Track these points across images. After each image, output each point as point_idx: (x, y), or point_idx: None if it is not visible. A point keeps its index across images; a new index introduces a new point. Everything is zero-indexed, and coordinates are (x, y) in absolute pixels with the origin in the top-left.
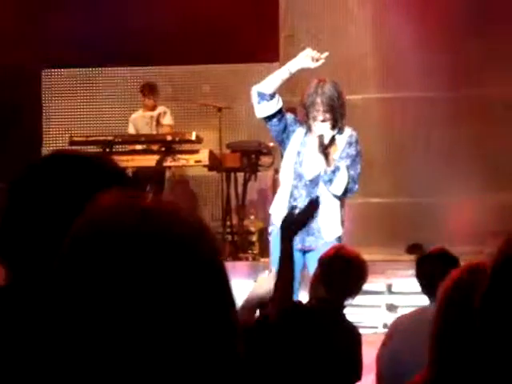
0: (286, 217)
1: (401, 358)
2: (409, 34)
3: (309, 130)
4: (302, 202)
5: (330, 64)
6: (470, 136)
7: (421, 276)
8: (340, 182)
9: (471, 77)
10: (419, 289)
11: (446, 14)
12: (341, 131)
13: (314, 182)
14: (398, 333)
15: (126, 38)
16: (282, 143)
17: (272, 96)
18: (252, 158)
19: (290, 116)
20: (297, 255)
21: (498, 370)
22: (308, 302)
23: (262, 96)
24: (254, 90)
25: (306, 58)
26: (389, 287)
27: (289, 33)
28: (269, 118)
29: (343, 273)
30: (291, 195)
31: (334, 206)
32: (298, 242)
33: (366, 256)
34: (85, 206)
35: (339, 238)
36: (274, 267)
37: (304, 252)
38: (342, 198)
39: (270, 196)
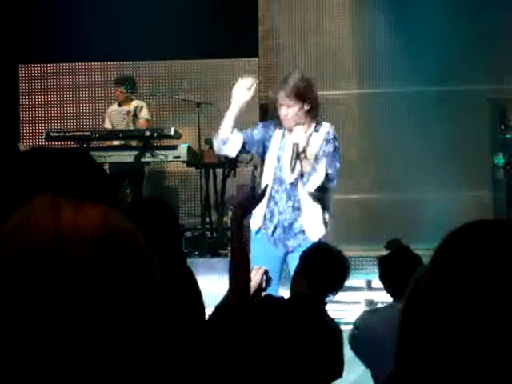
0: (244, 197)
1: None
2: (387, 30)
3: (284, 128)
4: (283, 206)
5: (309, 59)
6: (449, 132)
7: (383, 276)
8: (314, 181)
9: (450, 73)
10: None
11: (427, 9)
12: (318, 126)
13: (295, 185)
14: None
15: (103, 33)
16: (263, 153)
17: (227, 139)
18: None
19: (260, 127)
20: (278, 258)
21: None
22: (289, 298)
23: (222, 142)
24: (215, 142)
25: (241, 95)
26: (368, 283)
27: (268, 28)
28: (241, 151)
29: (325, 268)
30: (272, 199)
31: (316, 207)
32: (281, 248)
33: (346, 252)
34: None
35: (323, 238)
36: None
37: (285, 254)
38: (323, 198)
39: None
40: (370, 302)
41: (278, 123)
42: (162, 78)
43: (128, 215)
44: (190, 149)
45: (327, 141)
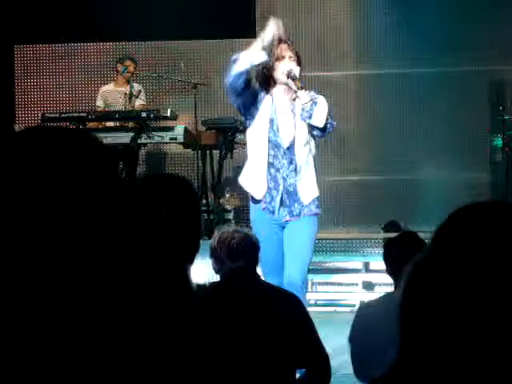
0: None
1: (373, 342)
2: (387, 10)
3: (273, 82)
4: (285, 171)
5: (307, 40)
6: (446, 113)
7: (388, 260)
8: (321, 113)
9: (448, 54)
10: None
11: None
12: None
13: (292, 149)
14: (366, 319)
15: (98, 14)
16: (250, 114)
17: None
18: (228, 135)
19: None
20: (278, 232)
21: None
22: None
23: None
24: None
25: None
26: (366, 265)
27: (265, 8)
28: (242, 89)
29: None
30: (272, 165)
31: (310, 168)
32: (284, 215)
33: (344, 234)
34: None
35: (317, 199)
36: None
37: (284, 225)
38: (323, 137)
39: None
40: (367, 284)
41: (265, 88)
42: (159, 58)
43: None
44: (186, 130)
45: (315, 92)
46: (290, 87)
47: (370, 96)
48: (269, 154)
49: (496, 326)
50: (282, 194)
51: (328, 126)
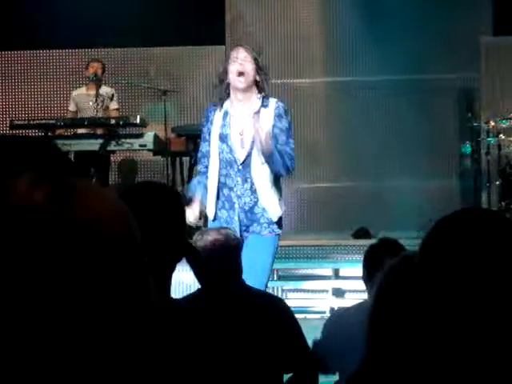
0: None
1: (343, 348)
2: (356, 18)
3: (224, 107)
4: (240, 190)
5: (277, 47)
6: (417, 121)
7: (367, 266)
8: (276, 165)
9: (416, 62)
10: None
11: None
12: (265, 101)
13: (247, 165)
14: (338, 326)
15: (67, 20)
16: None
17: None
18: (197, 141)
19: (204, 125)
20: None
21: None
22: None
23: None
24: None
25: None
26: (336, 272)
27: (235, 15)
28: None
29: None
30: (225, 185)
31: (271, 188)
32: (243, 230)
33: (314, 241)
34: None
35: (280, 219)
36: None
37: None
38: (277, 178)
39: None
40: (337, 291)
41: (219, 103)
42: (128, 65)
43: (124, 199)
44: (156, 137)
45: (279, 116)
46: (246, 93)
47: (339, 103)
48: (220, 174)
49: (487, 329)
50: (238, 214)
51: (288, 170)
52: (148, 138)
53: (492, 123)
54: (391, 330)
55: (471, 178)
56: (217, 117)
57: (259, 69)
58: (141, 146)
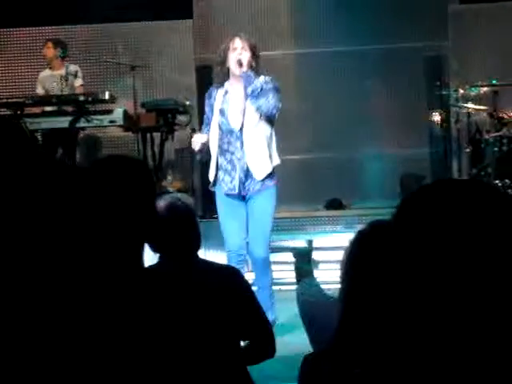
0: None
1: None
2: None
3: (227, 75)
4: (240, 152)
5: (247, 19)
6: (387, 90)
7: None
8: (262, 102)
9: (386, 32)
10: (338, 244)
11: None
12: (256, 75)
13: (242, 130)
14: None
15: None
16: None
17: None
18: (168, 117)
19: (207, 101)
20: (240, 203)
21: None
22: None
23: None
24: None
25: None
26: (309, 243)
27: None
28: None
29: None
30: (227, 152)
31: (261, 147)
32: (236, 190)
33: (287, 213)
34: None
35: (271, 174)
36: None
37: (244, 198)
38: (267, 135)
39: (187, 155)
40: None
41: (219, 83)
42: (96, 42)
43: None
44: (125, 113)
45: (266, 82)
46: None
47: (309, 75)
48: (223, 142)
49: (462, 303)
50: (239, 173)
51: (270, 108)
52: (117, 114)
53: (461, 91)
54: (364, 299)
55: (441, 146)
56: (219, 93)
57: (255, 56)
58: (110, 122)
